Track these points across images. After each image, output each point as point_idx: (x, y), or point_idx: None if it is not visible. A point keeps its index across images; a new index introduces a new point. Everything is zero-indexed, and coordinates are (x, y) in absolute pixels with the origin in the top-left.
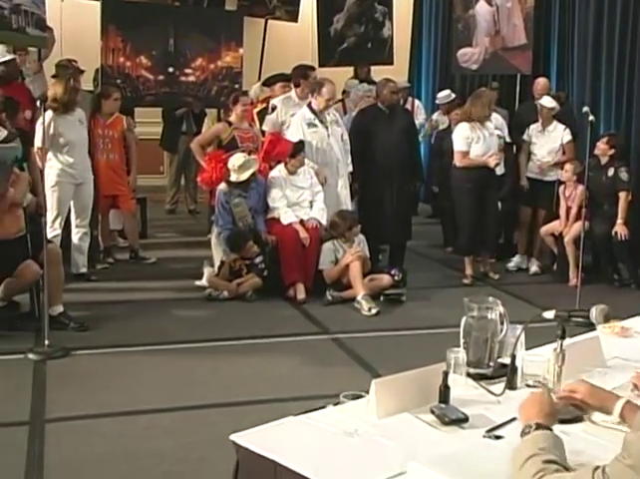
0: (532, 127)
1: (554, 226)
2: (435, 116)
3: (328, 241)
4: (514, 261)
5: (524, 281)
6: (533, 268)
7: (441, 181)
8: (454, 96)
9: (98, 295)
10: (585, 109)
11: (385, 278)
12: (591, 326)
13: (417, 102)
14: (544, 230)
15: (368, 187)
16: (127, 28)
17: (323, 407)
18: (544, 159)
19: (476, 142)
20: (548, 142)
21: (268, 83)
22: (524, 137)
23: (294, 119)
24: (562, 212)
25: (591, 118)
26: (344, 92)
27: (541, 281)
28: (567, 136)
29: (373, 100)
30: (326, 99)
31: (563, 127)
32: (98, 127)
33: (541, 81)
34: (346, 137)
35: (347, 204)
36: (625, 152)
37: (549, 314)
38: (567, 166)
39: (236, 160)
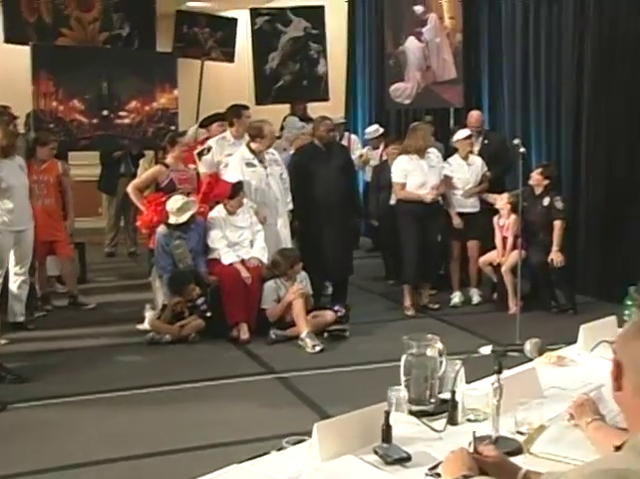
0: (451, 160)
1: (492, 255)
2: (364, 150)
3: (270, 280)
4: (457, 298)
5: (465, 312)
6: (475, 298)
7: (380, 215)
8: (382, 130)
9: (36, 345)
10: (516, 141)
11: (328, 315)
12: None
13: (353, 136)
14: (483, 260)
15: (308, 224)
16: (58, 72)
17: (267, 453)
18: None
19: (412, 174)
20: (473, 175)
21: (205, 124)
22: (446, 172)
23: (232, 159)
24: (498, 241)
25: (522, 149)
26: (282, 128)
27: (482, 311)
28: (484, 166)
29: (308, 137)
30: (268, 143)
31: (479, 158)
32: (32, 172)
33: (474, 114)
34: (285, 175)
35: (287, 242)
36: (557, 181)
37: (486, 350)
38: (503, 195)
39: (175, 202)
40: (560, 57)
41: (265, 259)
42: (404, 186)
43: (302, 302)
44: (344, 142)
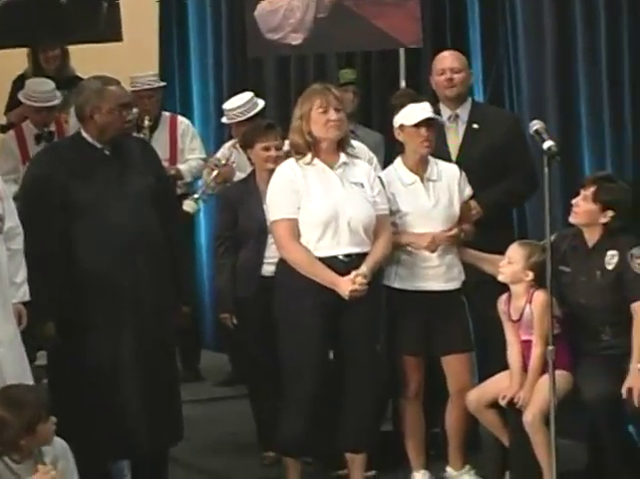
0: (390, 171)
1: (497, 386)
2: (222, 152)
3: None
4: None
5: None
6: None
7: (242, 301)
8: (261, 104)
9: None
10: (537, 125)
11: None
12: None
13: (181, 120)
14: (475, 398)
15: (70, 329)
16: None
17: None
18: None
19: (309, 201)
20: (438, 203)
21: None
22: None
23: None
24: (512, 354)
25: (551, 145)
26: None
27: None
28: (466, 185)
29: (73, 123)
30: None
31: (454, 166)
32: None
33: (447, 57)
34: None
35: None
36: (635, 215)
37: None
38: (511, 249)
39: None
40: None
41: None
42: (293, 230)
43: None
44: (164, 130)
